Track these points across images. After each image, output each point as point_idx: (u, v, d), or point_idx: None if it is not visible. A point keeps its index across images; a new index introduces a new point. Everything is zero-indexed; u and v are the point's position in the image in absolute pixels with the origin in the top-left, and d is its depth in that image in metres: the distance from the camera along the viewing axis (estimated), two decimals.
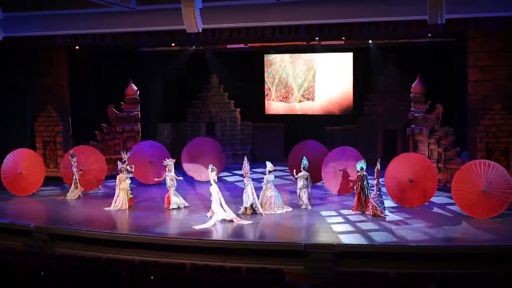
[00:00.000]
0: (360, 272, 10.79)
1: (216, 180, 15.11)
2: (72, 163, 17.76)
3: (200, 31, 13.86)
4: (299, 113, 23.94)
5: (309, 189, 16.07)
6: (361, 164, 15.46)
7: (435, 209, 15.70)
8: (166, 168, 16.48)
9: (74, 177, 17.81)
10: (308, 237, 13.55)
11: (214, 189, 14.88)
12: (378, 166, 15.29)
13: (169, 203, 16.20)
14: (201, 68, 23.80)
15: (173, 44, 21.34)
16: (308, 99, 23.89)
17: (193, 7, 13.28)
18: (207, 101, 23.91)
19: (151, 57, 23.58)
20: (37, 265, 10.35)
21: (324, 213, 15.64)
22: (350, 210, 15.64)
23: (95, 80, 21.17)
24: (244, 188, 15.63)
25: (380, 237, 13.41)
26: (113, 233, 14.09)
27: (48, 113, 20.12)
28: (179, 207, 16.16)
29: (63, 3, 15.98)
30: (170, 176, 16.34)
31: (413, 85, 19.12)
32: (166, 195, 16.36)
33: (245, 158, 15.84)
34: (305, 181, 15.98)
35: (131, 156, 17.68)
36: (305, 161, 16.06)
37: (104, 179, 18.88)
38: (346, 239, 13.33)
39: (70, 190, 17.85)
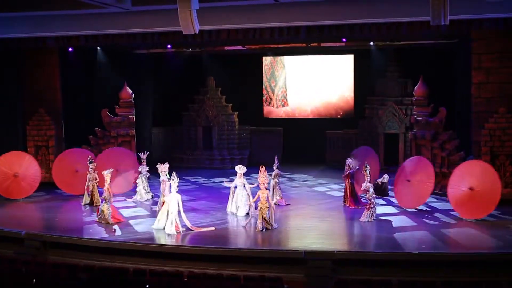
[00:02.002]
0: (361, 280, 10.54)
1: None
2: (90, 169, 17.15)
3: (197, 32, 13.57)
4: (297, 116, 23.66)
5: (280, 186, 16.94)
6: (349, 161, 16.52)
7: (438, 215, 15.40)
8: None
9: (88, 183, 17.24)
10: (308, 244, 13.17)
11: (176, 198, 14.06)
12: (368, 168, 15.18)
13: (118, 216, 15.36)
14: (198, 71, 23.51)
15: (169, 46, 21.01)
16: (276, 107, 23.74)
17: (189, 8, 13.00)
18: (204, 105, 23.61)
19: (147, 59, 23.33)
20: (29, 273, 10.11)
21: (323, 219, 15.34)
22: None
23: (88, 83, 20.83)
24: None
25: (380, 244, 13.18)
26: (107, 240, 13.77)
27: (40, 117, 19.76)
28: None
29: (55, 3, 15.60)
30: (107, 186, 15.35)
31: (415, 88, 18.83)
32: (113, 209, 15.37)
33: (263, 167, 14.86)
34: (278, 179, 16.76)
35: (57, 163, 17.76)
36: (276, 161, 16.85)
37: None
38: (346, 247, 13.09)
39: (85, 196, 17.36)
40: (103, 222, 15.01)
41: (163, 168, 15.93)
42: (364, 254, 12.63)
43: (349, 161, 16.68)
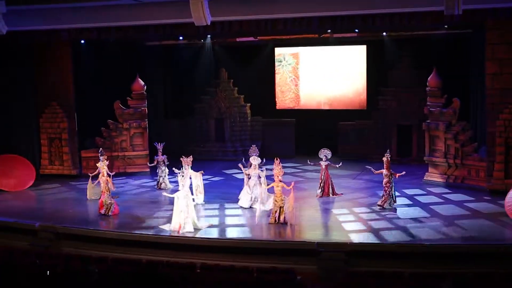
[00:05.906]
0: (373, 271, 10.43)
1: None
2: (101, 160, 16.41)
3: (209, 23, 13.56)
4: (310, 108, 23.54)
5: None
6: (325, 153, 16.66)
7: (452, 207, 15.28)
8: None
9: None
10: (320, 236, 13.19)
11: (184, 195, 13.73)
12: (388, 157, 15.15)
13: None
14: (210, 62, 23.37)
15: (180, 38, 20.97)
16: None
17: None
18: (216, 96, 23.51)
19: (158, 51, 23.27)
20: (43, 265, 10.15)
21: (336, 211, 15.29)
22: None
23: (100, 75, 20.82)
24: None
25: (393, 236, 13.06)
26: (121, 232, 13.79)
27: (53, 109, 19.80)
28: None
29: None
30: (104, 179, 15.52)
31: (429, 79, 18.66)
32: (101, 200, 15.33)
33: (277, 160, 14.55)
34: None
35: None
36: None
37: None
38: (358, 238, 13.02)
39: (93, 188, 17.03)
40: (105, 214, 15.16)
41: (187, 161, 15.86)
42: (377, 245, 12.58)
43: (326, 152, 16.70)
